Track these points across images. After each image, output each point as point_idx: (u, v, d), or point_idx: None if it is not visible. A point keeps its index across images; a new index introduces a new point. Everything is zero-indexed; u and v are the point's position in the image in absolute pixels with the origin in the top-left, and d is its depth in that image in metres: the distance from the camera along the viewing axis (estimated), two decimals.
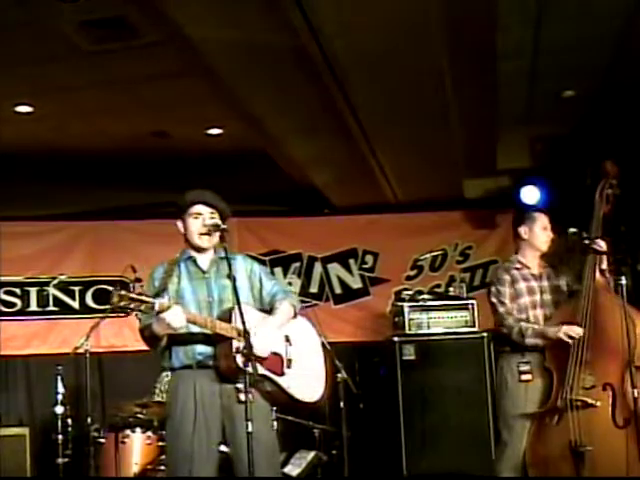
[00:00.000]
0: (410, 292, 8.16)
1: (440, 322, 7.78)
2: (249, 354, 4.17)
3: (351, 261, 8.89)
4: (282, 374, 4.58)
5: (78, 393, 7.68)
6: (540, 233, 5.53)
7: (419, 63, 5.70)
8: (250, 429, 4.08)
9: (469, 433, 7.39)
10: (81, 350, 6.91)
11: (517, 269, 5.52)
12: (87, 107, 6.91)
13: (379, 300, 8.76)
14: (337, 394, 6.97)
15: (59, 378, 7.26)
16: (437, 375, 7.54)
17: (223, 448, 4.62)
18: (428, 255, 8.74)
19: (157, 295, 4.39)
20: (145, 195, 8.51)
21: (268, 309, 4.68)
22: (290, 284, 8.37)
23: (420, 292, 8.29)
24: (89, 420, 7.00)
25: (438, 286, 8.78)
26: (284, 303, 4.66)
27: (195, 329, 4.46)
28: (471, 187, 8.66)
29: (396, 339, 7.68)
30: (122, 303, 4.17)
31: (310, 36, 5.19)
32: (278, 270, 8.76)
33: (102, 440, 6.80)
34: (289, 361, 4.63)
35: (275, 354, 4.58)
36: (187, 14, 5.04)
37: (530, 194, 7.86)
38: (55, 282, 8.15)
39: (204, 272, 4.62)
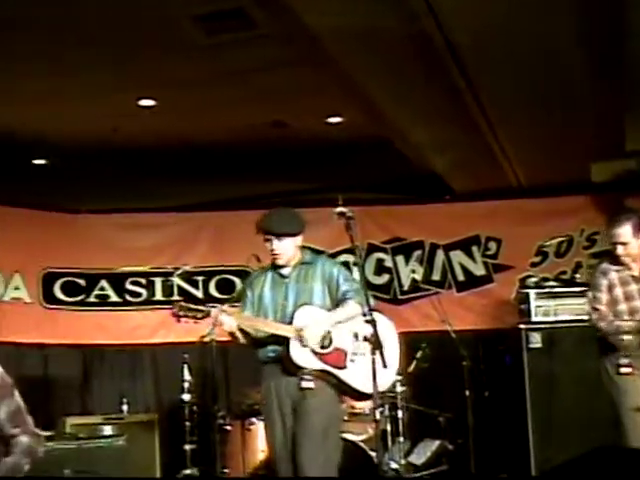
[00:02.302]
0: (535, 279, 8.02)
1: (567, 309, 7.57)
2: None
3: (474, 248, 8.71)
4: (344, 367, 4.91)
5: (204, 381, 7.78)
6: None
7: (545, 44, 5.54)
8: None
9: (597, 422, 7.16)
10: (207, 339, 6.99)
11: (616, 271, 5.33)
12: (207, 99, 6.99)
13: (503, 287, 8.57)
14: (462, 382, 6.89)
15: (186, 366, 7.40)
16: (564, 363, 7.35)
17: None
18: (553, 241, 8.51)
19: (239, 299, 5.11)
20: (267, 185, 8.57)
21: None
22: (413, 271, 8.32)
23: (546, 279, 8.11)
24: (215, 407, 7.09)
25: (564, 272, 8.53)
26: (349, 302, 4.92)
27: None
28: (598, 170, 8.39)
29: (522, 327, 7.53)
30: (181, 312, 4.84)
31: (431, 20, 5.11)
32: (400, 258, 8.68)
33: (228, 427, 6.89)
34: (354, 355, 4.91)
35: (338, 349, 4.89)
36: (305, 3, 5.03)
37: None
38: (179, 272, 8.25)
39: (284, 277, 5.02)
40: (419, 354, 6.98)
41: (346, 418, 6.58)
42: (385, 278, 8.67)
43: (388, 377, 5.01)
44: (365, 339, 4.75)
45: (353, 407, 6.60)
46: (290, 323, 4.87)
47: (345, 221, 4.74)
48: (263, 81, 6.57)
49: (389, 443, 6.66)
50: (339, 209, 4.74)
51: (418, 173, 8.54)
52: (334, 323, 4.88)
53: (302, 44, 5.75)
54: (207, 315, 4.87)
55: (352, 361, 4.91)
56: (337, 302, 4.96)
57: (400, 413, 6.71)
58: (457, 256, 8.70)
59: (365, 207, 8.20)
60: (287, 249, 4.96)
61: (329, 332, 4.87)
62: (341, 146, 8.06)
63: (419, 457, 6.92)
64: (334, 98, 6.92)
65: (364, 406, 6.56)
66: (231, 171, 8.57)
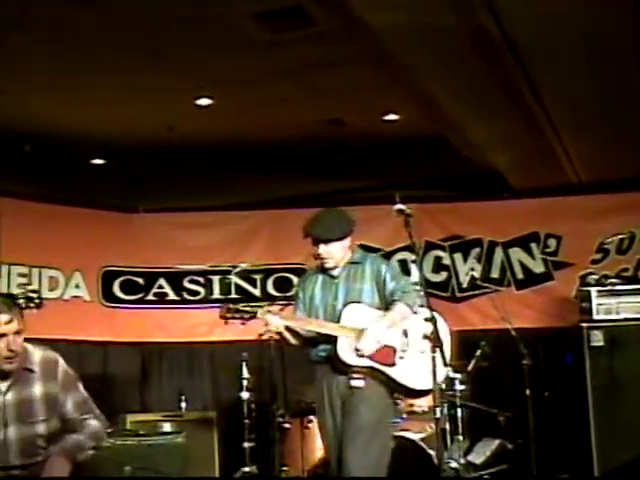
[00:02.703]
0: (596, 276, 7.92)
1: (630, 307, 7.45)
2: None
3: (533, 245, 8.61)
4: (393, 365, 4.86)
5: (262, 379, 7.80)
6: None
7: (605, 40, 5.46)
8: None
9: None
10: (265, 337, 7.00)
11: None
12: (264, 97, 6.99)
13: (563, 285, 8.46)
14: (522, 381, 6.82)
15: (244, 364, 7.43)
16: (627, 362, 7.25)
17: None
18: (615, 238, 8.37)
19: (294, 298, 5.12)
20: (323, 183, 8.56)
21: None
22: (472, 269, 8.25)
23: (607, 276, 7.98)
24: (274, 405, 7.09)
25: (626, 270, 8.39)
26: (398, 304, 4.88)
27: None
28: None
29: (583, 325, 7.43)
30: (228, 314, 4.90)
31: (490, 15, 5.05)
32: (458, 256, 8.63)
33: (287, 425, 6.90)
34: (403, 352, 4.88)
35: (387, 346, 4.85)
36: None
37: None
38: (237, 270, 8.27)
39: (334, 278, 5.00)
40: (478, 352, 6.90)
41: (404, 416, 6.59)
42: (443, 276, 8.62)
43: (440, 376, 4.86)
44: (425, 337, 4.73)
45: (412, 405, 6.57)
46: (338, 321, 4.86)
47: (404, 218, 4.74)
48: (320, 79, 6.56)
49: (448, 442, 6.60)
50: (398, 206, 4.74)
51: (476, 170, 8.46)
52: (387, 329, 4.83)
53: (360, 41, 5.73)
54: (254, 316, 4.89)
55: (401, 358, 4.88)
56: (388, 301, 4.92)
57: (459, 412, 6.65)
58: (516, 253, 8.61)
59: (422, 204, 8.14)
60: (334, 253, 4.94)
61: (405, 330, 4.86)
62: (398, 144, 8.02)
63: (478, 456, 6.86)
64: (391, 95, 6.89)
65: (423, 404, 6.54)
66: (288, 169, 8.59)
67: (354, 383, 4.80)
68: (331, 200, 8.62)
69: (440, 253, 8.64)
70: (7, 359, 3.85)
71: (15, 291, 6.98)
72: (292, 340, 4.98)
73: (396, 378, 4.88)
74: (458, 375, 6.63)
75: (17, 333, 3.87)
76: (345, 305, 4.89)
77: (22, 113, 7.07)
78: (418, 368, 4.86)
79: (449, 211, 8.77)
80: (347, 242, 4.99)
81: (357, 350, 4.77)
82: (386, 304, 4.93)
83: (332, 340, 4.84)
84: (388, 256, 8.56)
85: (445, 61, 5.87)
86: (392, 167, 8.65)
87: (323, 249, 4.91)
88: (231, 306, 4.95)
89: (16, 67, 6.15)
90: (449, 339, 5.00)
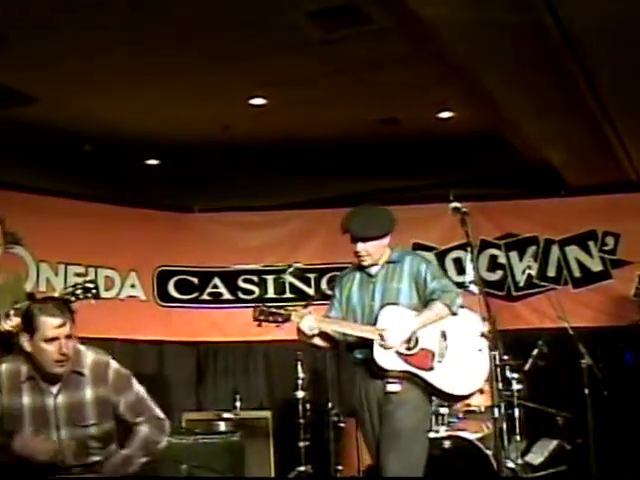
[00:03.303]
0: None
1: None
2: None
3: (590, 243, 8.51)
4: (430, 369, 4.74)
5: (315, 378, 7.80)
6: None
7: None
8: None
9: None
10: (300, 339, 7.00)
11: None
12: (318, 96, 6.97)
13: (622, 283, 8.35)
14: (580, 381, 6.73)
15: (299, 363, 7.43)
16: None
17: None
18: None
19: (331, 298, 5.00)
20: (377, 182, 8.52)
21: None
22: (529, 267, 8.16)
23: None
24: (329, 405, 7.09)
25: None
26: (436, 303, 4.75)
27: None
28: None
29: None
30: (262, 317, 4.78)
31: (547, 11, 4.98)
32: (514, 254, 8.55)
33: (342, 424, 6.90)
34: (441, 356, 4.76)
35: (424, 350, 4.73)
36: None
37: None
38: (291, 270, 8.25)
39: (372, 277, 4.87)
40: (535, 352, 6.82)
41: (461, 416, 6.54)
42: (499, 274, 8.55)
43: (478, 379, 4.86)
44: (482, 335, 4.69)
45: (468, 405, 6.52)
46: (375, 324, 4.75)
47: (460, 217, 4.69)
48: (374, 77, 6.51)
49: (505, 442, 6.53)
50: (454, 204, 4.69)
51: (531, 167, 8.36)
52: (419, 326, 4.72)
53: (414, 38, 5.68)
54: (287, 319, 4.77)
55: (440, 362, 4.76)
56: (425, 300, 4.81)
57: (516, 411, 6.58)
58: (573, 251, 8.51)
59: (477, 203, 8.06)
60: (373, 251, 4.82)
61: (414, 332, 4.73)
62: (452, 141, 7.95)
63: (536, 457, 6.78)
64: (446, 93, 6.83)
65: (479, 404, 6.49)
66: (342, 168, 8.56)
67: (390, 388, 4.72)
68: (385, 199, 8.60)
69: (495, 252, 8.57)
70: (58, 362, 3.87)
71: (73, 281, 7.05)
72: (321, 344, 4.91)
73: (434, 383, 4.75)
74: (515, 374, 6.57)
75: (69, 337, 3.88)
76: (382, 307, 4.78)
77: (83, 113, 7.14)
78: (457, 372, 4.76)
79: (504, 209, 8.70)
80: (386, 240, 4.88)
81: (382, 343, 4.65)
82: (425, 302, 4.81)
83: (368, 343, 4.73)
84: (442, 255, 8.55)
85: (501, 57, 5.80)
86: (446, 165, 8.58)
87: (361, 247, 4.80)
88: (264, 308, 4.83)
89: (77, 68, 6.21)
90: (486, 342, 4.82)
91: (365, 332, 4.74)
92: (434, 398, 5.04)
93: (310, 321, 4.74)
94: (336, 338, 4.89)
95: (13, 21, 5.37)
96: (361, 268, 4.92)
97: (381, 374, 4.73)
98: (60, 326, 3.85)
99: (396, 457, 4.65)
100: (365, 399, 4.85)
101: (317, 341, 4.88)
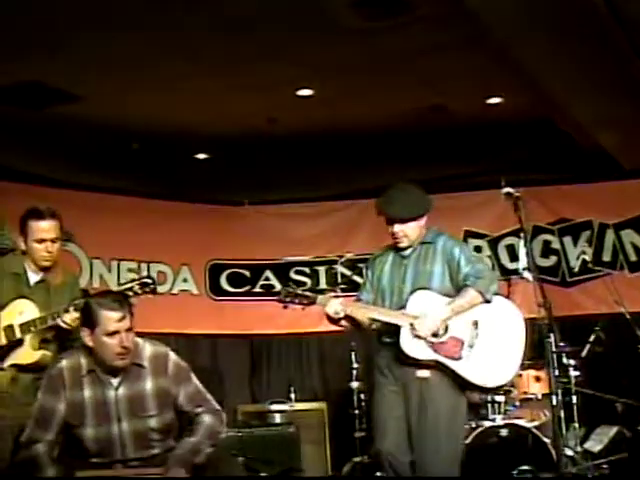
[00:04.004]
0: None
1: None
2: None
3: None
4: (459, 359, 4.61)
5: (369, 368, 7.77)
6: None
7: None
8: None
9: None
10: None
11: None
12: (365, 86, 6.95)
13: None
14: (639, 366, 6.63)
15: (353, 354, 7.42)
16: None
17: None
18: None
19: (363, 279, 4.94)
20: (427, 170, 8.45)
21: None
22: (583, 252, 8.05)
23: None
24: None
25: None
26: (468, 289, 4.64)
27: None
28: None
29: None
30: (287, 298, 4.75)
31: None
32: (567, 240, 8.44)
33: None
34: (470, 346, 4.62)
35: (454, 338, 4.62)
36: None
37: None
38: (343, 260, 8.26)
39: (404, 258, 4.78)
40: (592, 337, 6.73)
41: (517, 404, 6.48)
42: (552, 260, 8.44)
43: (508, 371, 4.73)
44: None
45: (525, 392, 6.47)
46: (404, 308, 4.66)
47: (513, 202, 4.62)
48: (422, 65, 6.47)
49: (563, 429, 6.46)
50: (506, 190, 4.62)
51: (585, 151, 8.24)
52: (451, 315, 4.62)
53: (461, 25, 5.61)
54: (313, 302, 4.74)
55: (469, 352, 4.63)
56: (458, 285, 4.70)
57: (574, 398, 6.50)
58: (628, 235, 8.36)
59: (529, 188, 7.95)
60: (410, 233, 4.73)
61: (444, 321, 4.62)
62: (502, 127, 7.87)
63: (596, 444, 6.69)
64: (494, 78, 6.76)
65: (536, 391, 6.43)
66: (391, 157, 8.51)
67: (420, 373, 4.62)
68: (435, 187, 8.54)
69: (549, 237, 8.47)
70: (120, 355, 3.91)
71: (126, 277, 7.12)
72: (350, 327, 4.82)
73: (461, 373, 4.63)
74: (572, 361, 6.49)
75: (129, 330, 3.92)
76: (413, 292, 4.67)
77: (129, 112, 7.20)
78: (488, 363, 4.63)
79: (557, 194, 8.58)
80: (423, 221, 4.78)
81: (414, 332, 4.56)
82: (458, 287, 4.71)
83: (396, 330, 4.64)
84: (495, 242, 8.47)
85: (549, 40, 5.70)
86: (497, 151, 8.50)
87: (399, 228, 4.71)
88: (290, 290, 4.80)
89: (124, 67, 6.26)
90: (523, 329, 4.74)
91: (395, 318, 4.64)
92: None
93: (335, 305, 4.68)
94: (362, 323, 4.79)
95: (62, 22, 5.42)
96: (397, 250, 4.83)
97: (408, 362, 4.64)
98: (120, 319, 3.89)
99: (431, 449, 4.58)
100: (393, 385, 4.72)
101: (345, 324, 4.80)
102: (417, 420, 4.64)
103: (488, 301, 4.68)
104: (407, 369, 4.67)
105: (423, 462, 4.58)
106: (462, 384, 4.69)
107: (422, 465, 4.58)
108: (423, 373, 4.62)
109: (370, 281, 4.90)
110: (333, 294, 4.83)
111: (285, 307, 4.83)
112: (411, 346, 4.59)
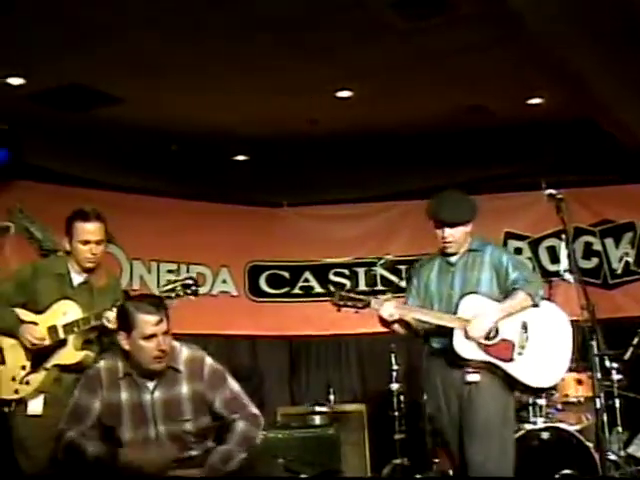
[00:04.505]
0: None
1: None
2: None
3: None
4: (510, 360, 4.65)
5: (410, 370, 7.76)
6: None
7: None
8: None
9: None
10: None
11: None
12: (405, 87, 6.93)
13: None
14: None
15: (393, 356, 7.40)
16: None
17: None
18: None
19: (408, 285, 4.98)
20: (468, 171, 8.41)
21: None
22: (626, 254, 7.96)
23: None
24: (424, 397, 7.03)
25: None
26: (518, 292, 4.68)
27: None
28: None
29: None
30: (341, 302, 4.73)
31: None
32: (609, 241, 8.36)
33: None
34: (521, 347, 4.68)
35: (505, 340, 4.66)
36: None
37: None
38: (382, 262, 8.26)
39: (452, 265, 4.82)
40: (635, 340, 6.64)
41: (559, 407, 6.42)
42: (594, 262, 8.37)
43: (557, 372, 4.78)
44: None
45: (566, 396, 6.41)
46: (455, 313, 4.69)
47: (555, 204, 4.60)
48: (461, 65, 6.43)
49: (606, 434, 6.39)
50: (548, 191, 4.62)
51: (626, 152, 8.14)
52: (503, 316, 4.65)
53: (503, 24, 5.58)
54: (367, 305, 4.73)
55: (520, 354, 4.67)
56: (506, 291, 4.74)
57: (617, 402, 6.43)
58: None
59: (570, 189, 7.85)
60: (459, 237, 4.77)
61: (496, 323, 4.65)
62: (543, 128, 7.80)
63: (638, 448, 6.62)
64: (535, 78, 6.72)
65: (578, 395, 6.37)
66: (430, 158, 8.47)
67: (469, 378, 4.66)
68: (476, 188, 8.48)
69: (590, 239, 8.39)
70: (157, 359, 3.92)
71: (165, 279, 7.15)
72: (401, 331, 4.84)
73: (513, 374, 4.68)
74: (615, 364, 6.42)
75: (165, 333, 3.92)
76: (462, 296, 4.71)
77: (168, 114, 7.24)
78: (538, 364, 4.68)
79: (599, 195, 8.50)
80: (470, 227, 4.82)
81: (466, 334, 4.59)
82: (506, 293, 4.74)
83: (448, 332, 4.67)
84: (536, 244, 8.41)
85: (591, 39, 5.67)
86: (538, 152, 8.43)
87: (448, 232, 4.75)
88: (344, 293, 4.78)
89: (162, 70, 6.29)
90: (570, 331, 4.78)
91: (448, 321, 4.67)
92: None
93: (390, 308, 4.68)
94: (414, 326, 4.82)
95: (104, 23, 5.46)
96: (444, 255, 4.86)
97: (460, 364, 4.67)
98: (157, 323, 3.90)
99: (480, 451, 4.59)
100: (443, 389, 4.78)
101: (397, 328, 4.82)
102: (466, 424, 4.68)
103: (536, 305, 4.72)
104: (456, 372, 4.71)
105: (473, 468, 4.60)
106: (512, 385, 4.74)
107: (471, 470, 4.61)
108: (473, 377, 4.65)
109: (416, 287, 4.94)
110: (387, 296, 4.82)
111: (338, 310, 4.82)
112: (464, 348, 4.64)
